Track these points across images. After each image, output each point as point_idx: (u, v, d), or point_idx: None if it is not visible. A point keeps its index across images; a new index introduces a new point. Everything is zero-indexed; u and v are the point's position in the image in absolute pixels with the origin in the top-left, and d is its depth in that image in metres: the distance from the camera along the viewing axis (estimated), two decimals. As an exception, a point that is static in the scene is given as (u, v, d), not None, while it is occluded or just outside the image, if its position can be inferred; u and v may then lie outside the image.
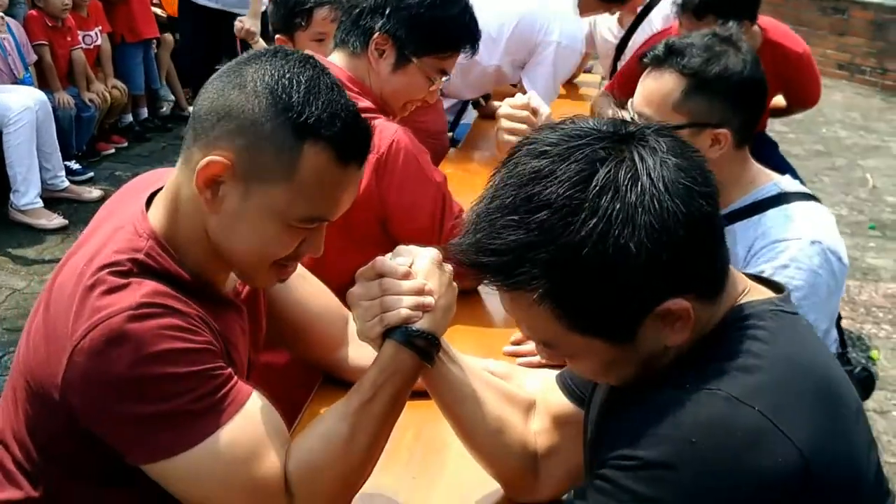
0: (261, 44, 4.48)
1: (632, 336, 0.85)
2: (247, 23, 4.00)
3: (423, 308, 1.07)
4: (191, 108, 5.07)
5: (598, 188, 0.80)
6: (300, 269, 1.35)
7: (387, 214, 1.70)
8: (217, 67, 1.07)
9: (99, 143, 5.33)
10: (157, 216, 1.09)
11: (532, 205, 0.81)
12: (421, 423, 1.33)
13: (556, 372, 1.25)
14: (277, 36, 2.45)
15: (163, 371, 0.97)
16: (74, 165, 4.83)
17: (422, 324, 1.07)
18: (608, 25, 3.61)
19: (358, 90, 1.70)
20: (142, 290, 1.00)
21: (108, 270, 1.01)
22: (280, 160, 1.00)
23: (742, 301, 0.90)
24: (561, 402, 1.18)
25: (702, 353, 0.87)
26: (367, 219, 1.67)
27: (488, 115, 3.22)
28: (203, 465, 0.99)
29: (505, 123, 1.71)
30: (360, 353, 1.33)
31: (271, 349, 1.42)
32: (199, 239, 1.08)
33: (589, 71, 4.27)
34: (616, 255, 0.79)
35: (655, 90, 1.54)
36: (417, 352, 1.07)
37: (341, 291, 1.53)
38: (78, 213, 4.49)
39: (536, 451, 1.19)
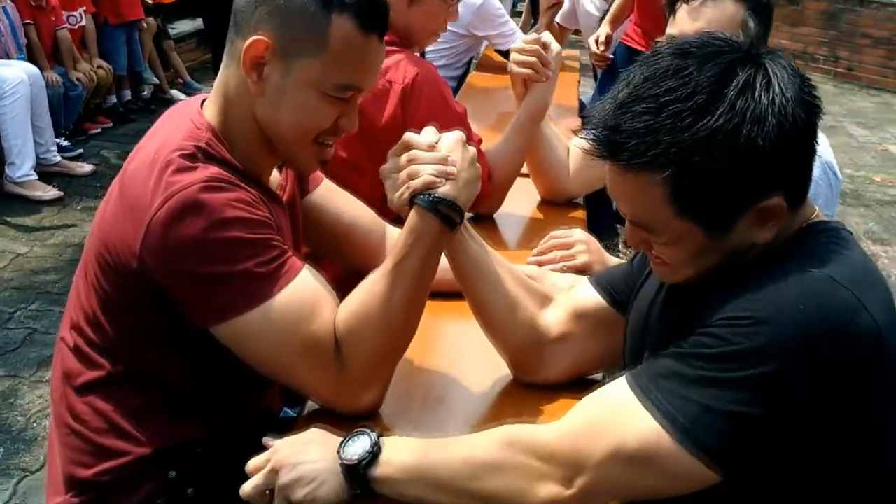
0: None
1: (728, 228, 0.94)
2: None
3: (446, 175, 1.16)
4: (173, 91, 5.25)
5: (736, 87, 0.90)
6: (332, 185, 1.50)
7: None
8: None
9: (85, 122, 5.40)
10: (210, 112, 1.22)
11: (674, 94, 0.90)
12: (445, 321, 1.47)
13: (581, 277, 1.40)
14: None
15: (231, 235, 1.08)
16: (64, 142, 4.89)
17: (444, 190, 1.15)
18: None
19: None
20: (209, 170, 1.12)
21: (178, 153, 1.12)
22: (312, 33, 1.14)
23: (814, 218, 1.01)
24: (587, 298, 1.29)
25: (788, 252, 0.96)
26: (393, 146, 1.81)
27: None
28: (264, 323, 1.09)
29: (517, 57, 1.85)
30: None
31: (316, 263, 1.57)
32: (248, 130, 1.20)
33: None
34: (744, 147, 0.88)
35: (724, 15, 1.61)
36: (440, 216, 1.15)
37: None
38: (71, 185, 4.57)
39: (546, 336, 1.28)
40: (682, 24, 1.68)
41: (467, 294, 1.29)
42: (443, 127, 1.80)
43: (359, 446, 1.03)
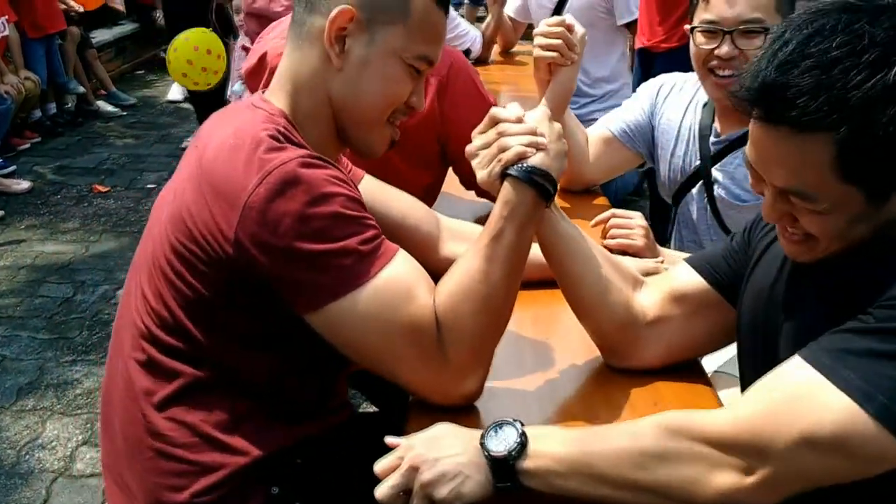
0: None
1: (889, 195, 0.91)
2: None
3: (537, 146, 1.13)
4: (98, 103, 5.02)
5: None
6: (376, 180, 1.48)
7: (448, 133, 1.79)
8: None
9: (12, 138, 5.11)
10: (279, 101, 1.18)
11: (847, 48, 0.85)
12: (535, 309, 1.45)
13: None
14: None
15: (334, 210, 1.04)
16: (-5, 160, 4.63)
17: (535, 160, 1.12)
18: None
19: None
20: (300, 150, 1.08)
21: (265, 133, 1.08)
22: (397, 3, 1.14)
23: None
24: (686, 279, 1.24)
25: None
26: (429, 139, 1.77)
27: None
28: (367, 305, 1.04)
29: (540, 40, 1.82)
30: (458, 249, 1.42)
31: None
32: (320, 114, 1.18)
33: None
34: None
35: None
36: (535, 187, 1.11)
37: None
38: (10, 204, 4.32)
39: (639, 318, 1.24)
40: (719, 7, 1.70)
41: (559, 274, 1.26)
42: (478, 116, 1.78)
43: (505, 438, 0.99)
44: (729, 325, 1.21)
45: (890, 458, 0.85)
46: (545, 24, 1.85)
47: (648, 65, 4.03)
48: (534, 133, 1.15)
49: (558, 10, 3.61)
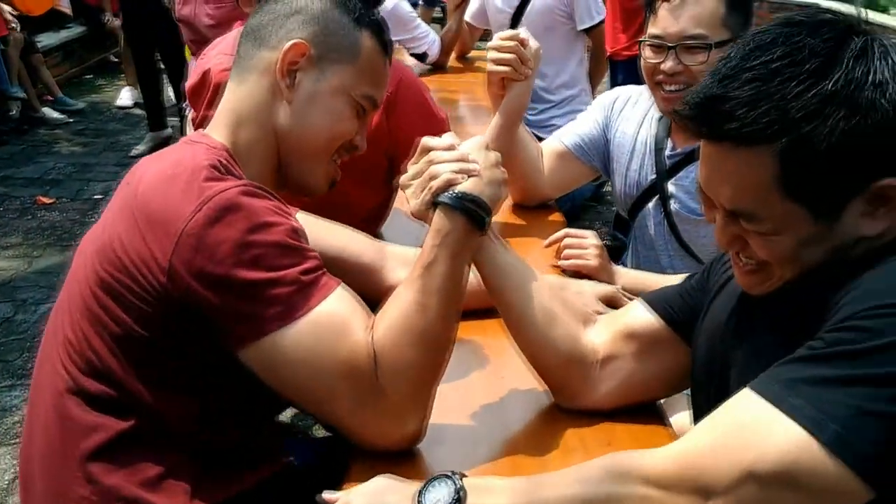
0: None
1: (838, 213, 0.87)
2: None
3: (468, 172, 1.11)
4: (44, 110, 4.94)
5: (853, 51, 0.85)
6: (311, 217, 1.43)
7: (396, 150, 1.74)
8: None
9: (-48, 148, 4.92)
10: (220, 135, 1.17)
11: (787, 59, 0.84)
12: (486, 339, 1.40)
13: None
14: None
15: (276, 239, 1.01)
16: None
17: (466, 186, 1.09)
18: None
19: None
20: (241, 180, 1.06)
21: (205, 163, 1.06)
22: (347, 42, 1.18)
23: None
24: (640, 316, 1.20)
25: None
26: (377, 157, 1.72)
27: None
28: (303, 339, 1.00)
29: (493, 55, 1.77)
30: (401, 275, 1.39)
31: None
32: (262, 149, 1.17)
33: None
34: (864, 112, 0.83)
35: (705, 10, 1.62)
36: (466, 213, 1.08)
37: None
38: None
39: (588, 355, 1.19)
40: (664, 22, 1.68)
41: (500, 307, 1.21)
42: (427, 133, 1.73)
43: (441, 493, 0.95)
44: (685, 368, 1.17)
45: (844, 492, 0.78)
46: (498, 38, 1.80)
47: (613, 72, 4.01)
48: (465, 160, 1.12)
49: (517, 16, 3.58)
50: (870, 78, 0.84)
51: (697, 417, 1.15)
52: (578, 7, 3.52)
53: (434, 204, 1.10)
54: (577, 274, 1.66)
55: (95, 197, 4.59)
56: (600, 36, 3.70)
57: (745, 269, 0.98)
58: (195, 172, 1.04)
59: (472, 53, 4.12)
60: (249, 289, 0.99)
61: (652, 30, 1.71)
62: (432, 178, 1.11)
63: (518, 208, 2.06)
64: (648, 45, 1.72)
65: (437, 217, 1.09)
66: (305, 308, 1.01)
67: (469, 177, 1.11)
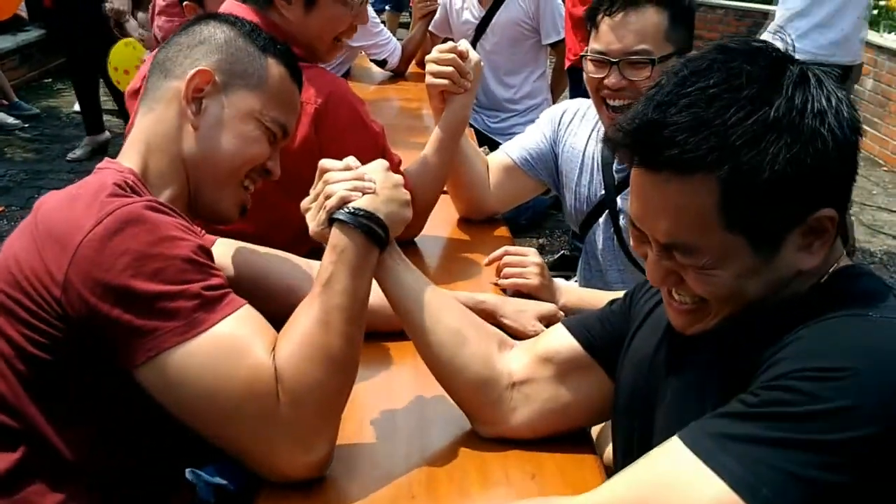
0: (132, 23, 4.36)
1: (776, 245, 0.85)
2: (116, 2, 4.05)
3: (362, 190, 1.10)
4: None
5: (792, 78, 0.83)
6: (231, 242, 1.40)
7: None
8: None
9: None
10: (129, 161, 1.16)
11: (725, 85, 0.82)
12: (410, 361, 1.32)
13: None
14: (186, 3, 2.37)
15: (178, 253, 0.99)
16: None
17: (360, 203, 1.09)
18: (468, 5, 3.67)
19: (281, 39, 1.70)
20: (147, 198, 1.06)
21: (111, 182, 1.06)
22: (253, 69, 1.21)
23: (844, 262, 0.92)
24: (557, 339, 1.17)
25: (840, 293, 0.87)
26: (306, 169, 1.63)
27: None
28: (203, 356, 0.97)
29: (432, 67, 1.73)
30: None
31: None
32: (170, 176, 1.17)
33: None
34: (807, 140, 0.81)
35: (648, 25, 1.61)
36: (362, 229, 1.07)
37: (292, 248, 1.55)
38: None
39: (502, 378, 1.15)
40: (607, 37, 1.65)
41: (407, 329, 1.17)
42: (360, 147, 1.68)
43: None
44: (607, 396, 1.12)
45: None
46: (437, 51, 1.75)
47: (575, 83, 4.02)
48: (360, 178, 1.12)
49: (482, 28, 3.58)
50: (809, 106, 0.82)
51: (616, 455, 1.12)
52: (545, 22, 3.59)
53: (330, 222, 1.09)
54: (518, 293, 1.61)
55: (46, 205, 4.46)
56: (564, 50, 3.74)
57: (679, 309, 0.94)
58: (99, 191, 1.03)
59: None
60: (148, 301, 0.96)
61: (594, 45, 1.68)
62: (327, 197, 1.10)
63: (464, 223, 2.01)
64: (591, 59, 1.69)
65: (333, 234, 1.09)
66: (207, 324, 0.98)
67: (364, 194, 1.10)
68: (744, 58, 0.85)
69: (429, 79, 1.75)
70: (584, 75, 1.73)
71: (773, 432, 0.76)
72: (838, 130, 0.83)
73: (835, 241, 0.90)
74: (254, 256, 1.41)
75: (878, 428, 0.74)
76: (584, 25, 3.36)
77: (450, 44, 1.76)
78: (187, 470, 1.25)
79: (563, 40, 3.67)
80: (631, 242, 0.96)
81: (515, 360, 1.17)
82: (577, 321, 1.19)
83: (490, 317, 1.45)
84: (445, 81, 1.73)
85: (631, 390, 1.05)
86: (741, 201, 0.83)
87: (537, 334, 1.44)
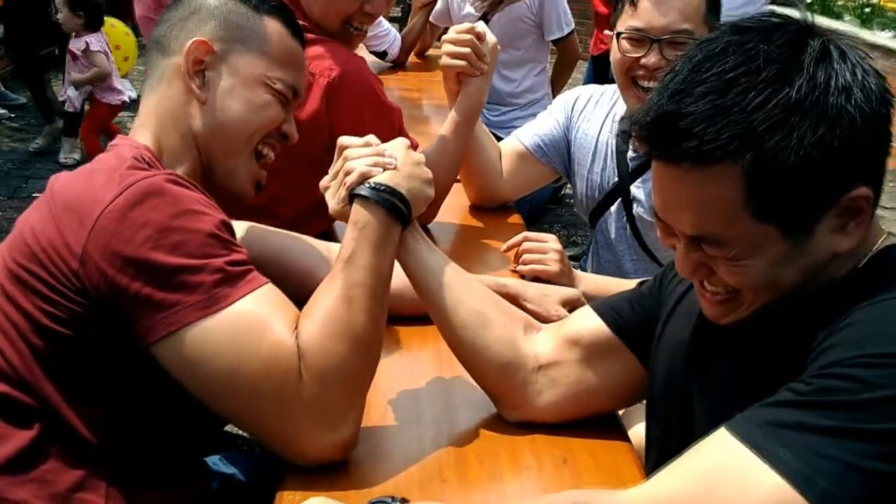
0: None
1: (810, 229, 0.82)
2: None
3: (383, 166, 1.08)
4: None
5: (813, 54, 0.79)
6: (247, 223, 1.36)
7: (335, 142, 1.64)
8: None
9: None
10: (142, 138, 1.13)
11: (742, 69, 0.79)
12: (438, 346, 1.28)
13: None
14: None
15: (201, 227, 0.97)
16: None
17: (383, 177, 1.07)
18: None
19: (294, 12, 1.65)
20: (167, 170, 1.04)
21: (129, 156, 1.04)
22: (250, 30, 1.17)
23: (888, 241, 0.88)
24: (586, 322, 1.14)
25: (885, 273, 0.84)
26: (315, 146, 1.59)
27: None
28: (225, 332, 0.95)
29: (448, 48, 1.69)
30: None
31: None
32: (183, 155, 1.14)
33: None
34: (833, 119, 0.77)
35: (691, 4, 1.58)
36: (384, 205, 1.05)
37: (299, 225, 1.52)
38: None
39: (528, 361, 1.12)
40: (648, 14, 1.61)
41: (430, 311, 1.15)
42: (373, 127, 1.63)
43: None
44: (635, 380, 1.10)
45: None
46: (454, 32, 1.70)
47: (604, 70, 4.00)
48: (380, 154, 1.10)
49: (484, 22, 3.55)
50: (833, 82, 0.78)
51: (651, 440, 1.09)
52: (549, 20, 3.58)
53: (350, 199, 1.06)
54: (537, 279, 1.58)
55: (35, 195, 4.37)
56: (567, 47, 3.75)
57: (712, 300, 0.91)
58: (118, 164, 1.01)
59: (431, 51, 4.06)
60: (169, 274, 0.94)
61: (632, 22, 1.63)
62: (347, 173, 1.08)
63: (476, 210, 1.98)
64: (627, 37, 1.65)
65: (354, 210, 1.06)
66: (229, 300, 0.95)
67: (385, 170, 1.08)
68: (760, 37, 0.81)
69: (445, 59, 1.70)
70: (614, 56, 1.69)
71: (828, 420, 0.73)
72: (865, 105, 0.79)
73: (872, 220, 0.86)
74: (270, 233, 1.38)
75: None
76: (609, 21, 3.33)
77: (467, 24, 1.71)
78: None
79: (566, 37, 3.65)
80: (658, 234, 0.92)
81: (541, 343, 1.14)
82: (605, 303, 1.16)
83: (513, 301, 1.41)
84: (462, 63, 1.68)
85: (667, 377, 1.02)
86: (768, 190, 0.79)
87: (560, 319, 1.42)
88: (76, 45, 4.51)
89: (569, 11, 3.60)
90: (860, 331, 0.78)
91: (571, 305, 1.45)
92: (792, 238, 0.82)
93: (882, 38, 5.83)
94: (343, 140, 1.13)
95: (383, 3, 1.75)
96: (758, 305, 0.88)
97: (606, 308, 1.14)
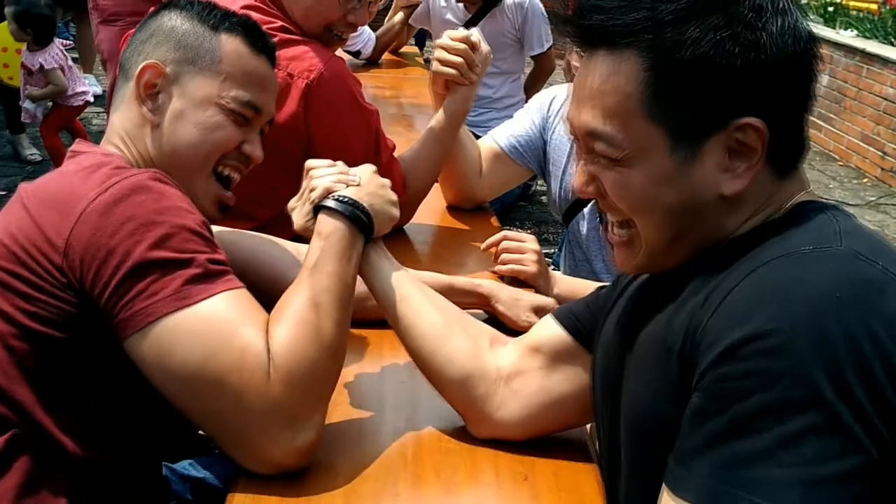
0: None
1: (694, 147, 0.82)
2: None
3: (346, 182, 1.11)
4: None
5: None
6: (219, 227, 1.35)
7: (312, 145, 1.62)
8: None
9: None
10: (112, 150, 1.15)
11: None
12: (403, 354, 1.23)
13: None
14: None
15: (184, 223, 0.98)
16: None
17: (346, 191, 1.10)
18: (451, 6, 3.64)
19: (276, 12, 1.64)
20: (151, 170, 1.05)
21: (107, 161, 1.05)
22: (204, 51, 1.16)
23: (805, 198, 0.86)
24: (545, 330, 1.13)
25: (784, 228, 0.81)
26: (292, 148, 1.61)
27: None
28: (200, 324, 0.95)
29: (441, 54, 1.68)
30: None
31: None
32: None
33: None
34: (740, 27, 0.78)
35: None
36: (346, 216, 1.08)
37: (275, 227, 1.51)
38: None
39: (490, 372, 1.10)
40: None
41: (392, 324, 1.15)
42: (352, 128, 1.66)
43: None
44: None
45: None
46: (448, 37, 1.69)
47: None
48: (344, 173, 1.13)
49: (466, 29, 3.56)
50: (748, 5, 0.80)
51: (601, 443, 1.05)
52: (530, 37, 3.68)
53: (315, 213, 1.09)
54: (515, 280, 1.60)
55: None
56: (545, 61, 3.87)
57: (618, 245, 0.92)
58: (100, 164, 1.02)
59: (405, 48, 4.07)
60: (151, 267, 0.95)
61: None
62: (311, 190, 1.11)
63: (454, 211, 1.99)
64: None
65: (319, 220, 1.09)
66: (205, 294, 0.97)
67: (348, 186, 1.11)
68: None
69: (435, 65, 1.70)
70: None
71: (758, 441, 0.69)
72: (776, 32, 0.79)
73: (794, 175, 0.86)
74: (239, 237, 1.37)
75: (835, 390, 0.67)
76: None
77: (461, 31, 1.71)
78: (163, 465, 1.22)
79: (544, 53, 3.74)
80: (575, 179, 0.92)
81: (505, 355, 1.13)
82: (565, 309, 1.15)
83: (485, 301, 1.45)
84: (452, 71, 1.68)
85: (603, 371, 1.00)
86: (662, 83, 0.81)
87: (530, 325, 1.42)
88: (29, 61, 4.30)
89: (549, 28, 3.64)
90: (731, 306, 0.75)
91: (543, 312, 1.47)
92: (677, 153, 0.82)
93: (846, 36, 5.95)
94: (309, 162, 1.16)
95: (366, 14, 1.75)
96: (651, 246, 0.88)
97: (565, 313, 1.13)
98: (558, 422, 1.12)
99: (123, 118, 1.17)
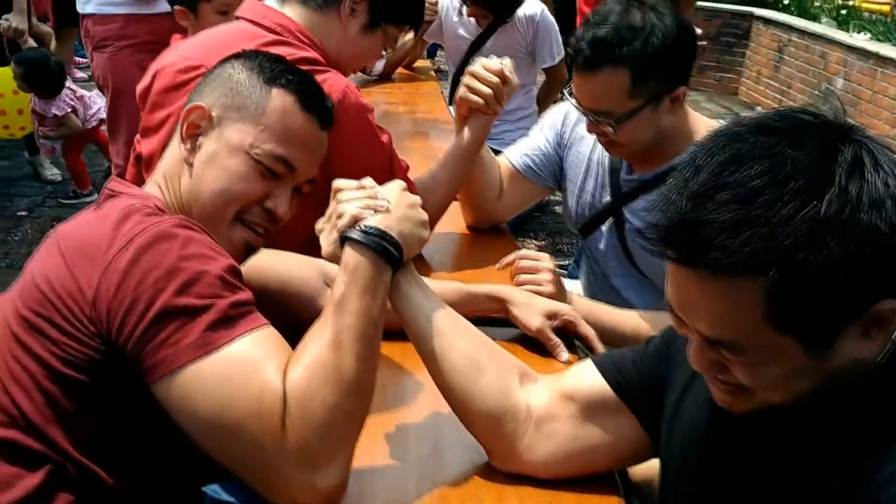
0: (30, 42, 4.22)
1: (831, 342, 0.79)
2: (13, 21, 3.89)
3: (374, 209, 1.09)
4: None
5: (844, 165, 0.75)
6: (263, 249, 1.35)
7: (335, 169, 1.58)
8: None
9: None
10: (152, 190, 1.19)
11: (768, 177, 0.75)
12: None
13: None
14: (177, 7, 2.32)
15: (208, 269, 0.99)
16: None
17: (373, 220, 1.07)
18: (464, 21, 3.64)
19: (308, 42, 1.67)
20: (178, 217, 1.07)
21: (140, 204, 1.07)
22: (251, 100, 1.18)
23: None
24: (585, 377, 1.11)
25: None
26: (315, 177, 1.64)
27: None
28: (220, 371, 0.96)
29: (473, 83, 1.71)
30: None
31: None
32: (178, 209, 1.17)
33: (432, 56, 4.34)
34: (864, 237, 0.74)
35: (606, 87, 1.55)
36: (373, 247, 1.06)
37: (310, 248, 1.52)
38: None
39: (521, 411, 1.10)
40: (576, 90, 1.63)
41: (421, 354, 1.13)
42: (367, 154, 1.68)
43: None
44: (635, 442, 1.08)
45: None
46: (482, 66, 1.73)
47: None
48: (372, 197, 1.11)
49: (476, 45, 3.59)
50: (865, 198, 0.75)
51: None
52: (542, 50, 3.65)
53: (342, 241, 1.07)
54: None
55: (20, 214, 4.34)
56: (556, 73, 3.82)
57: (723, 388, 0.88)
58: (129, 212, 1.04)
59: (418, 63, 4.08)
60: (173, 315, 0.96)
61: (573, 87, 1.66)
62: (339, 216, 1.09)
63: (470, 231, 2.00)
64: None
65: (345, 253, 1.07)
66: (224, 340, 0.97)
67: (376, 212, 1.09)
68: (789, 140, 0.77)
69: (463, 90, 1.74)
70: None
71: None
72: (894, 214, 0.76)
73: None
74: (273, 262, 1.38)
75: None
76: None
77: (495, 63, 1.73)
78: (204, 488, 1.23)
79: (556, 66, 3.71)
80: (674, 325, 0.89)
81: (536, 395, 1.11)
82: (607, 358, 1.13)
83: (502, 305, 1.49)
84: (480, 101, 1.72)
85: (681, 458, 0.99)
86: (791, 305, 0.76)
87: (539, 330, 1.45)
88: (41, 108, 4.27)
89: (560, 40, 3.64)
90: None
91: (556, 317, 1.48)
92: (813, 351, 0.80)
93: (860, 40, 5.91)
94: (337, 183, 1.15)
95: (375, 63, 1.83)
96: (772, 402, 0.86)
97: (608, 364, 1.11)
98: (586, 468, 1.11)
99: (170, 153, 1.21)
